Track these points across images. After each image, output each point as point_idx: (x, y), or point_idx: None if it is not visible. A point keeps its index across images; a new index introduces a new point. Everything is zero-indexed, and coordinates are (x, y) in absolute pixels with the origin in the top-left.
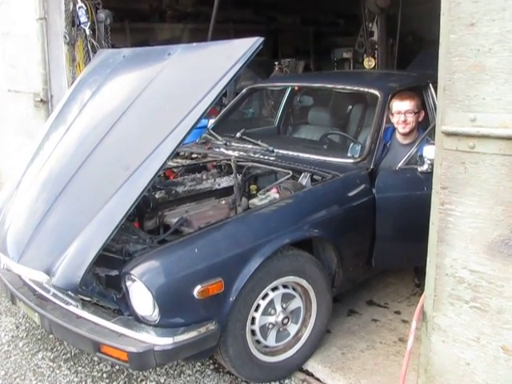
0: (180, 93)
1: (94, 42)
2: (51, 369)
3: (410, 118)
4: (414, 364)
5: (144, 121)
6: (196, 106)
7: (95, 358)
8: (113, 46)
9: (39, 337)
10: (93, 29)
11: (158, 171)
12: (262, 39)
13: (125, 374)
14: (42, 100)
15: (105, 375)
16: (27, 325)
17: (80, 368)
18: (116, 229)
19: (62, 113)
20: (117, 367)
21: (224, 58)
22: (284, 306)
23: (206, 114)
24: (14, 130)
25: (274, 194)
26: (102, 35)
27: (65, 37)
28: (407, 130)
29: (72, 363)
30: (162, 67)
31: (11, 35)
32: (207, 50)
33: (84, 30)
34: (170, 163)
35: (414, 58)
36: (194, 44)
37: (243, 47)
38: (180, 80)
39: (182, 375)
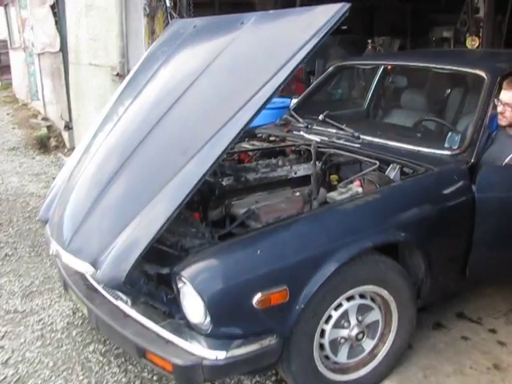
0: (251, 67)
1: (175, 15)
2: (100, 364)
3: (508, 113)
4: None
5: (208, 98)
6: (267, 83)
7: None
8: None
9: None
10: (174, 1)
11: (218, 159)
12: (348, 5)
13: None
14: (118, 74)
15: (155, 377)
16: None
17: (130, 367)
18: (166, 222)
19: (129, 86)
20: None
21: (303, 26)
22: (360, 318)
23: (287, 92)
24: (93, 103)
25: (356, 187)
26: (184, 7)
27: (144, 9)
28: (503, 123)
29: (123, 360)
30: (233, 38)
31: (93, 7)
32: (285, 19)
33: (164, 2)
34: (246, 145)
35: None
36: (271, 11)
37: (326, 15)
38: (252, 52)
39: None
